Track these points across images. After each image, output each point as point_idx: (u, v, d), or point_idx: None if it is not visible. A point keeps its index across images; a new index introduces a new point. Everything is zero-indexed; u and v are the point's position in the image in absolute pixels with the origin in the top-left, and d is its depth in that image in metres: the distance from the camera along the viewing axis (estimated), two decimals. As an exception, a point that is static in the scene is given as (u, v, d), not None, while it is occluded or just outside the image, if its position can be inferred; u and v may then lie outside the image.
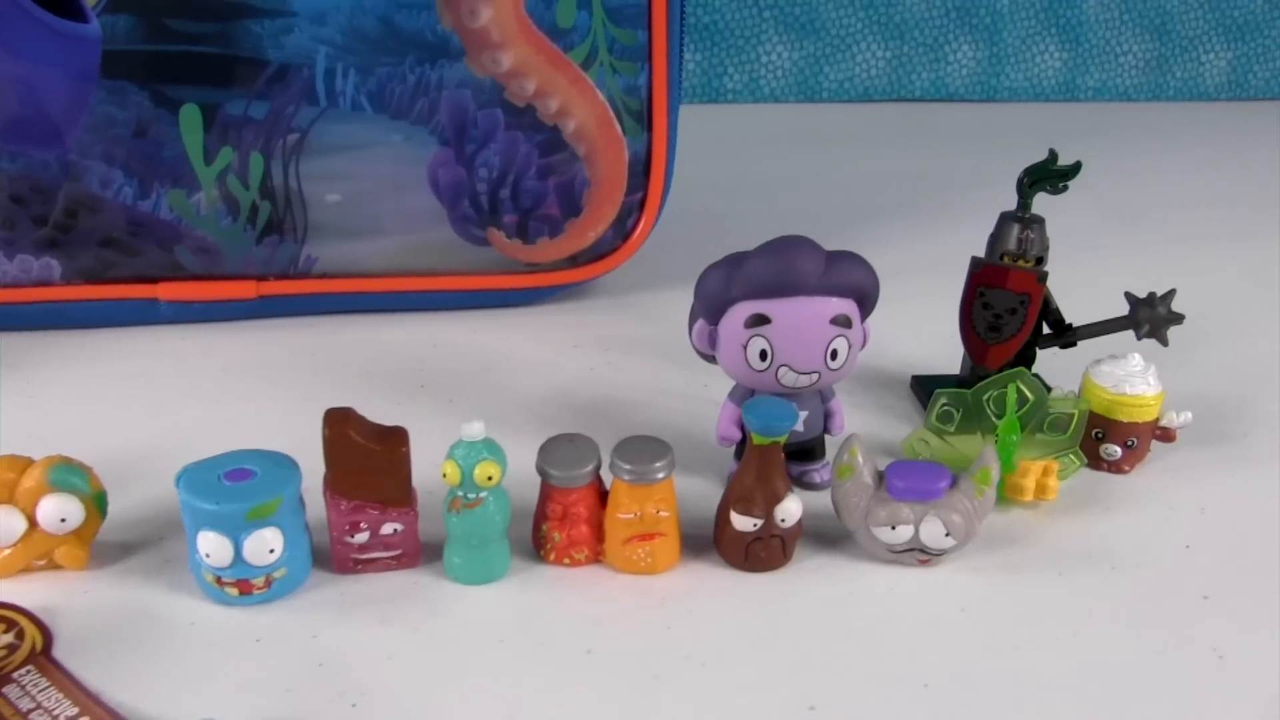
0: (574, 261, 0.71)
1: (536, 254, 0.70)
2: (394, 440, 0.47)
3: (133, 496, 0.53)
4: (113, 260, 0.67)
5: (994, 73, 1.21)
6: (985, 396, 0.55)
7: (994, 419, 0.55)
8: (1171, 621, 0.47)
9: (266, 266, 0.68)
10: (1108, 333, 0.60)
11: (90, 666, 0.43)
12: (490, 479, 0.46)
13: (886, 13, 1.19)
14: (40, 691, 0.41)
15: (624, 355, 0.67)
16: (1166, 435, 0.57)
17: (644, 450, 0.47)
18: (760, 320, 0.49)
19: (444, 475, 0.46)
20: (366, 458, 0.46)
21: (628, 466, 0.47)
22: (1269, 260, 0.86)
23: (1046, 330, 0.61)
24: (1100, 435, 0.56)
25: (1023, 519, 0.53)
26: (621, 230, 0.71)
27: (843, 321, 0.50)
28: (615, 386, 0.64)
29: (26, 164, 0.63)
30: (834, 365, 0.50)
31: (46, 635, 0.44)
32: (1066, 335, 0.60)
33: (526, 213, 0.68)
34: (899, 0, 1.19)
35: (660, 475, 0.47)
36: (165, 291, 0.68)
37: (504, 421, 0.60)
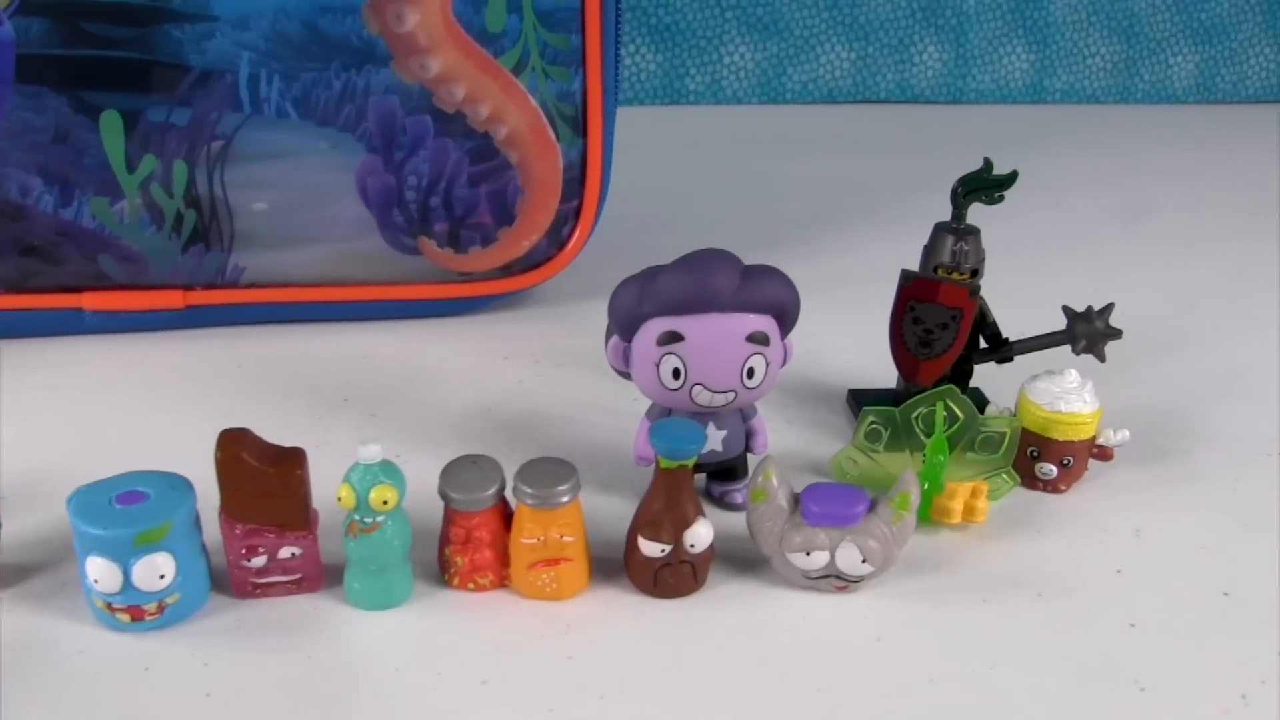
0: (508, 271, 0.70)
1: (469, 263, 0.68)
2: (290, 462, 0.45)
3: (37, 515, 0.51)
4: (35, 269, 0.65)
5: (960, 74, 1.20)
6: (914, 414, 0.53)
7: (923, 438, 0.53)
8: (1094, 652, 0.45)
9: (193, 276, 0.67)
10: (1045, 347, 0.58)
11: (-30, 698, 0.41)
12: (386, 503, 0.44)
13: (851, 13, 1.17)
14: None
15: (555, 368, 0.66)
16: (1104, 454, 0.56)
17: (548, 472, 0.46)
18: (673, 338, 0.48)
19: (339, 499, 0.44)
20: (261, 480, 0.45)
21: (530, 490, 0.45)
22: (1225, 269, 0.85)
23: (983, 344, 0.59)
24: (1035, 454, 0.55)
25: (950, 542, 0.52)
26: (556, 239, 0.69)
27: (759, 339, 0.48)
28: (542, 400, 0.62)
29: (-60, 171, 0.62)
30: (750, 384, 0.49)
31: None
32: (1002, 350, 0.59)
33: (458, 221, 0.67)
34: (864, 1, 1.17)
35: (564, 499, 0.45)
36: (90, 301, 0.66)
37: (425, 438, 0.58)
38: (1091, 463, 0.56)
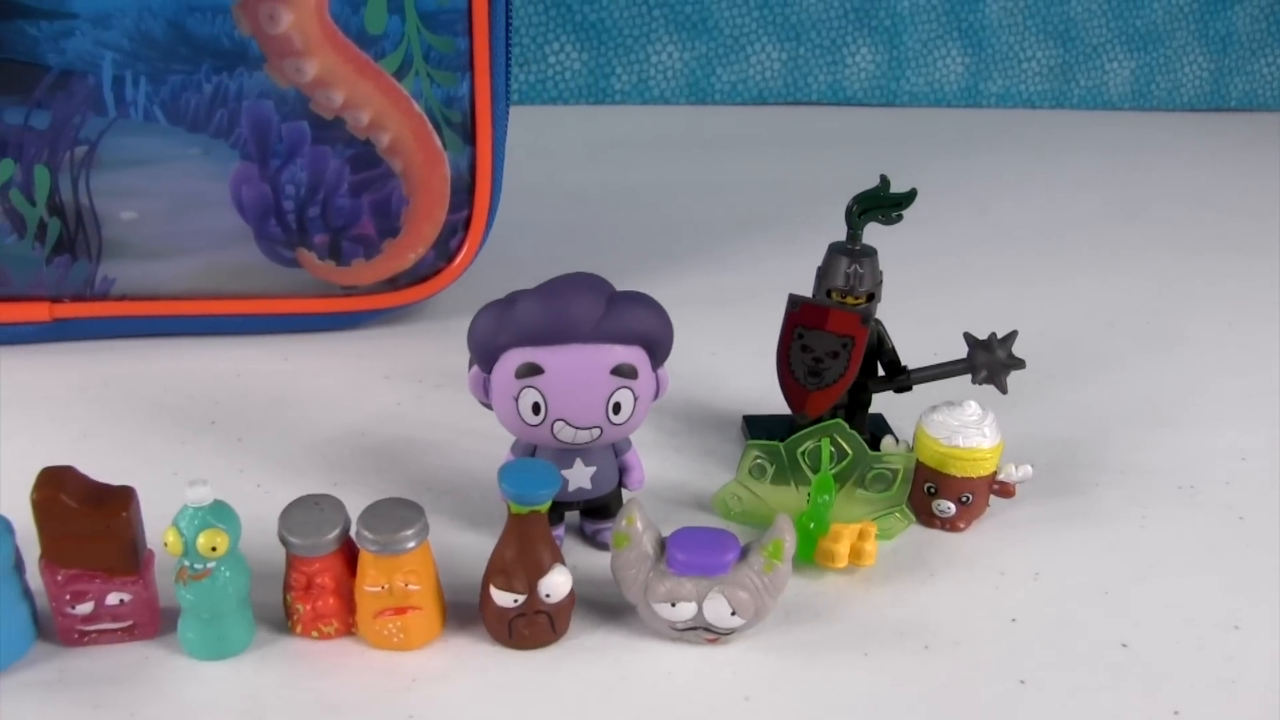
0: (394, 284, 0.66)
1: (351, 276, 0.65)
2: (115, 503, 0.42)
3: None
4: (-115, 278, 0.61)
5: (894, 77, 1.17)
6: (800, 450, 0.51)
7: (809, 473, 0.51)
8: (980, 712, 0.43)
9: (59, 288, 0.63)
10: (944, 376, 0.56)
11: None
12: (215, 549, 0.41)
13: (782, 13, 1.14)
14: None
15: (436, 389, 0.62)
16: (1005, 490, 0.53)
17: (392, 516, 0.43)
18: (531, 370, 0.45)
19: (165, 544, 0.41)
20: (82, 522, 0.42)
21: (371, 536, 0.42)
22: (1149, 284, 0.82)
23: (880, 372, 0.57)
24: (932, 490, 0.52)
25: (835, 586, 0.49)
26: (444, 251, 0.66)
27: (626, 371, 0.45)
28: (418, 425, 0.59)
29: None
30: (617, 419, 0.46)
31: None
32: (900, 379, 0.56)
33: (338, 232, 0.63)
34: (795, 0, 1.14)
35: (410, 545, 0.42)
36: (-53, 313, 0.63)
37: (289, 466, 0.55)
38: (992, 499, 0.53)
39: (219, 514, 0.41)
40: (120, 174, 0.61)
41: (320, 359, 0.65)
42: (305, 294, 0.65)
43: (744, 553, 0.44)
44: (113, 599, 0.43)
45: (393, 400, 0.61)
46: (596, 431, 0.46)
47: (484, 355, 0.46)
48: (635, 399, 0.46)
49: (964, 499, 0.52)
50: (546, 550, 0.43)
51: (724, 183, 0.98)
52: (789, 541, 0.44)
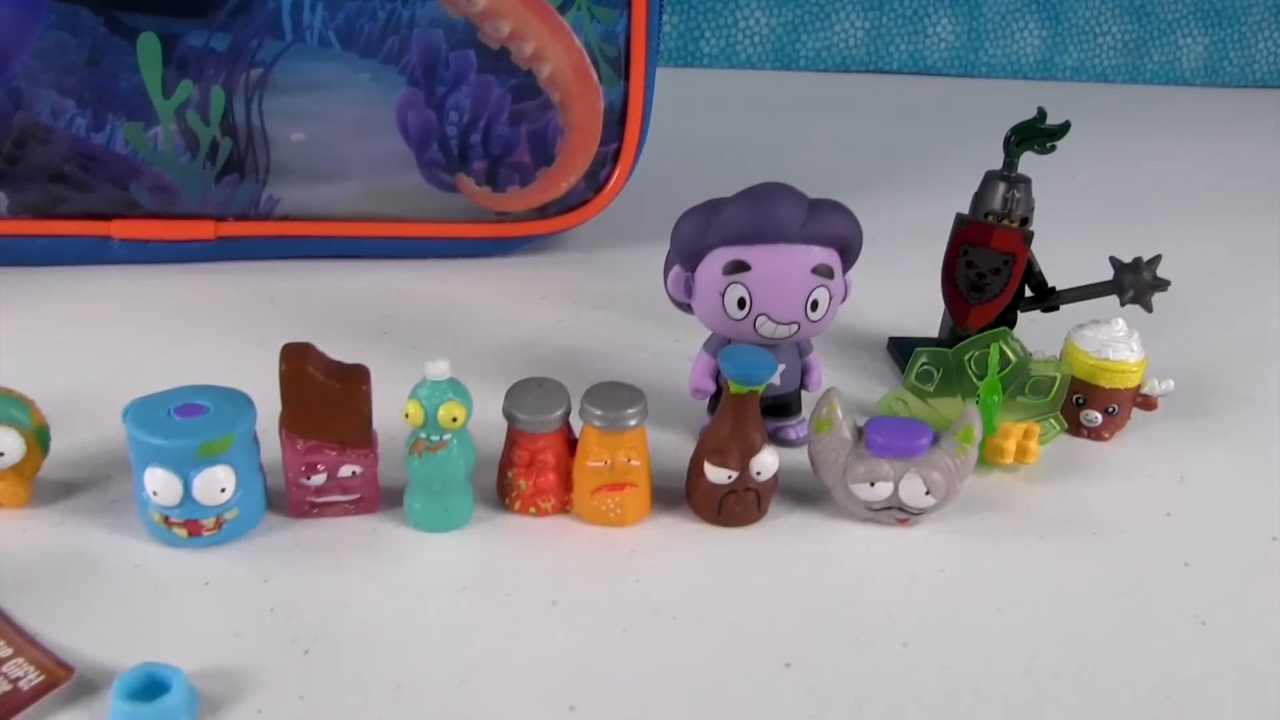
0: (544, 212, 0.69)
1: (506, 203, 0.68)
2: (354, 377, 0.45)
3: (78, 434, 0.50)
4: (63, 195, 0.64)
5: (973, 48, 1.20)
6: (967, 356, 0.53)
7: (975, 380, 0.53)
8: (1154, 588, 0.45)
9: (225, 207, 0.66)
10: (1091, 297, 0.58)
11: (27, 607, 0.40)
12: (455, 420, 0.43)
13: (867, -18, 1.17)
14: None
15: (593, 309, 0.65)
16: (1148, 403, 0.56)
17: (616, 396, 0.45)
18: (739, 267, 0.47)
19: (405, 415, 0.44)
20: (325, 395, 0.44)
21: (599, 412, 0.45)
22: (1235, 246, 0.85)
23: (1029, 293, 0.59)
24: (1081, 401, 0.55)
25: (1002, 482, 0.52)
26: (594, 182, 0.69)
27: (824, 271, 0.48)
28: (583, 338, 0.62)
29: (-28, 88, 0.60)
30: (814, 316, 0.49)
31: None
32: (1049, 298, 0.59)
33: (497, 160, 0.66)
34: (880, -31, 1.17)
35: (633, 422, 0.45)
36: (119, 229, 0.65)
37: (467, 369, 0.57)
38: (1134, 412, 0.56)
39: (456, 389, 0.44)
40: (292, 97, 0.63)
41: (474, 283, 0.68)
42: (460, 219, 0.68)
43: (936, 438, 0.47)
44: (345, 471, 0.45)
45: (554, 318, 0.64)
46: (795, 327, 0.49)
47: (689, 255, 0.49)
48: (830, 298, 0.49)
49: (1110, 410, 0.55)
50: (758, 431, 0.46)
51: (814, 143, 1.01)
52: (978, 428, 0.47)
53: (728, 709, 0.38)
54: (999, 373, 0.53)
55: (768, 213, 0.47)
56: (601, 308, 0.65)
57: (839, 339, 0.64)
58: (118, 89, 0.61)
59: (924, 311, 0.64)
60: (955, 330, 0.58)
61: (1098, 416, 0.55)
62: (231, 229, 0.66)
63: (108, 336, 0.59)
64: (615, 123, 0.67)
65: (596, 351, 0.60)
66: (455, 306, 0.65)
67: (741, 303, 0.48)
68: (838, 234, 0.48)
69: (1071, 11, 1.21)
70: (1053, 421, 0.54)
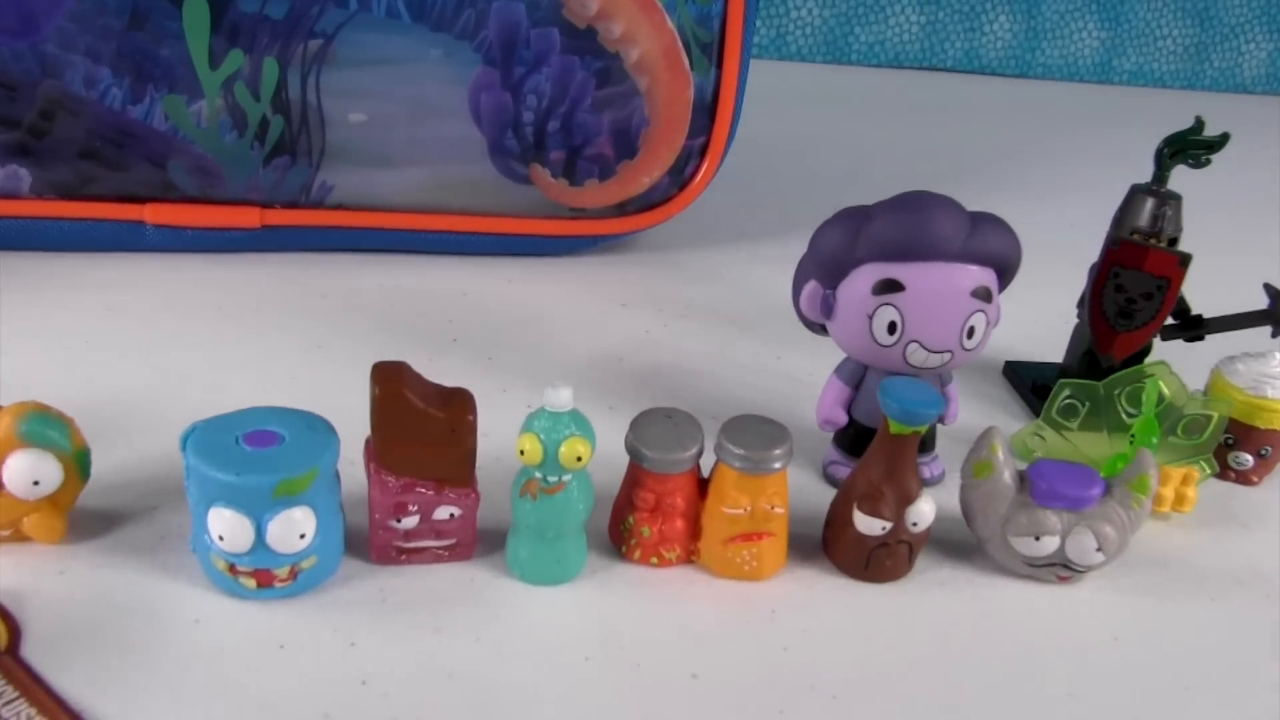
0: (622, 210, 0.63)
1: (583, 198, 0.62)
2: (458, 405, 0.38)
3: (116, 453, 0.44)
4: (93, 174, 0.57)
5: (1030, 48, 1.15)
6: (1117, 391, 0.48)
7: (1124, 416, 0.48)
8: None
9: (273, 192, 0.59)
10: (1242, 327, 0.53)
11: (67, 670, 0.34)
12: (579, 460, 0.37)
13: (924, -27, 1.11)
14: (4, 704, 0.33)
15: (680, 319, 0.59)
16: (1302, 446, 0.51)
17: (758, 433, 0.40)
18: (891, 286, 0.42)
19: (521, 452, 0.37)
20: (425, 425, 0.38)
21: (740, 452, 0.39)
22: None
23: (1170, 320, 0.54)
24: (1231, 441, 0.50)
25: (1155, 531, 0.47)
26: (678, 178, 0.63)
27: (983, 295, 0.43)
28: (674, 353, 0.56)
29: (-2, 51, 0.53)
30: (969, 344, 0.43)
31: (12, 628, 0.35)
32: (1195, 327, 0.53)
33: (576, 150, 0.60)
34: (937, -38, 1.11)
35: (778, 465, 0.39)
36: (153, 214, 0.59)
37: (548, 385, 0.52)
38: (1281, 455, 0.51)
39: (579, 422, 0.38)
40: (354, 73, 0.57)
41: (546, 284, 0.61)
42: (531, 214, 0.62)
43: (1107, 487, 0.42)
44: (442, 513, 0.39)
45: (640, 327, 0.58)
46: (948, 356, 0.43)
47: (832, 269, 0.43)
48: (987, 324, 0.43)
49: (1263, 452, 0.50)
50: (914, 477, 0.40)
51: (869, 142, 0.95)
52: (1154, 477, 0.41)
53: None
54: (1155, 410, 0.47)
55: (925, 226, 0.42)
56: (688, 317, 0.59)
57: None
58: (159, 57, 0.55)
59: (1037, 333, 0.59)
60: (1088, 357, 0.53)
61: (1249, 459, 0.50)
62: (279, 217, 0.60)
63: (143, 335, 0.53)
64: (704, 114, 0.61)
65: (690, 369, 0.54)
66: (527, 311, 0.58)
67: (892, 327, 0.42)
68: (999, 253, 0.43)
69: (1132, 13, 1.16)
70: (1203, 464, 0.49)
